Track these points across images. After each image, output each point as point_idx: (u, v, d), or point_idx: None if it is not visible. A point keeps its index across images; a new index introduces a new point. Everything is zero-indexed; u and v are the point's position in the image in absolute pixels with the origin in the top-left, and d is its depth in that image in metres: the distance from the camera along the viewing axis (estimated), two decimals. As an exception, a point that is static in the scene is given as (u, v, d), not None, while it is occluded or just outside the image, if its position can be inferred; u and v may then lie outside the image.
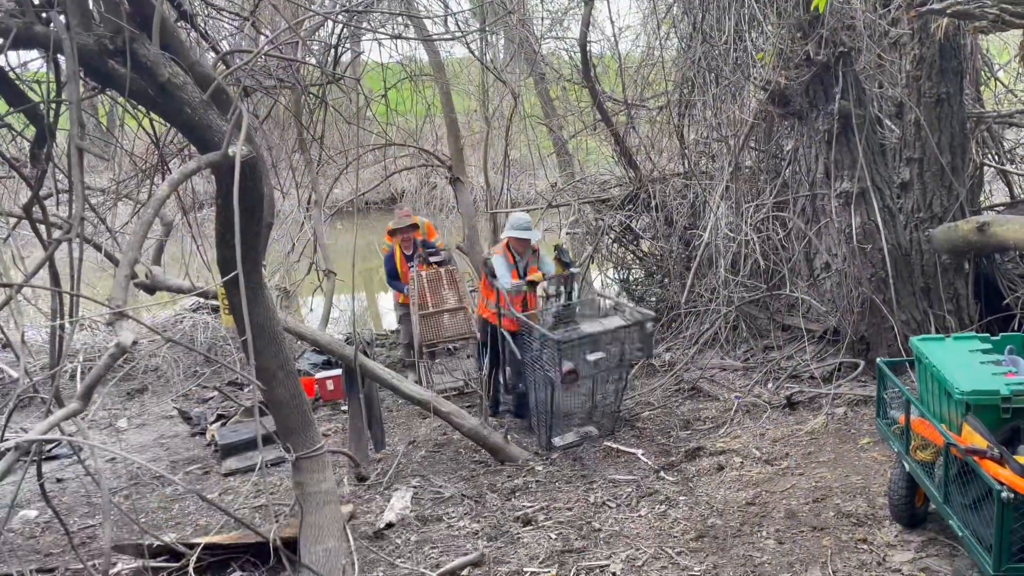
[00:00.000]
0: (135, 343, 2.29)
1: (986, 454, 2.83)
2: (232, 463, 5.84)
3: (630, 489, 4.81)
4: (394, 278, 7.58)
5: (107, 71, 2.88)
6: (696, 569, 3.79)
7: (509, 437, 5.65)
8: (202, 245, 5.42)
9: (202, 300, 7.82)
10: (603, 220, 8.36)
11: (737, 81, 6.43)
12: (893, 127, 6.01)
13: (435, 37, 7.04)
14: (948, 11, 4.98)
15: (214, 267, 3.85)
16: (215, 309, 8.34)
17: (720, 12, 6.11)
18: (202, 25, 4.86)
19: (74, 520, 5.17)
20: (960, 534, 3.02)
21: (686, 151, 7.87)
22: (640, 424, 5.95)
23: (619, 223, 8.40)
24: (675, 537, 4.14)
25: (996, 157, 7.02)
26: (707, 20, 6.52)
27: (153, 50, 2.90)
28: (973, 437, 3.00)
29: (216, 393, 7.39)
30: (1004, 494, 2.65)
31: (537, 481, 5.13)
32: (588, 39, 8.39)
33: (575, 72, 9.84)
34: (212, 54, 4.56)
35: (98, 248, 4.97)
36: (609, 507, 4.63)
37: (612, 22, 11.17)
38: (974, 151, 6.33)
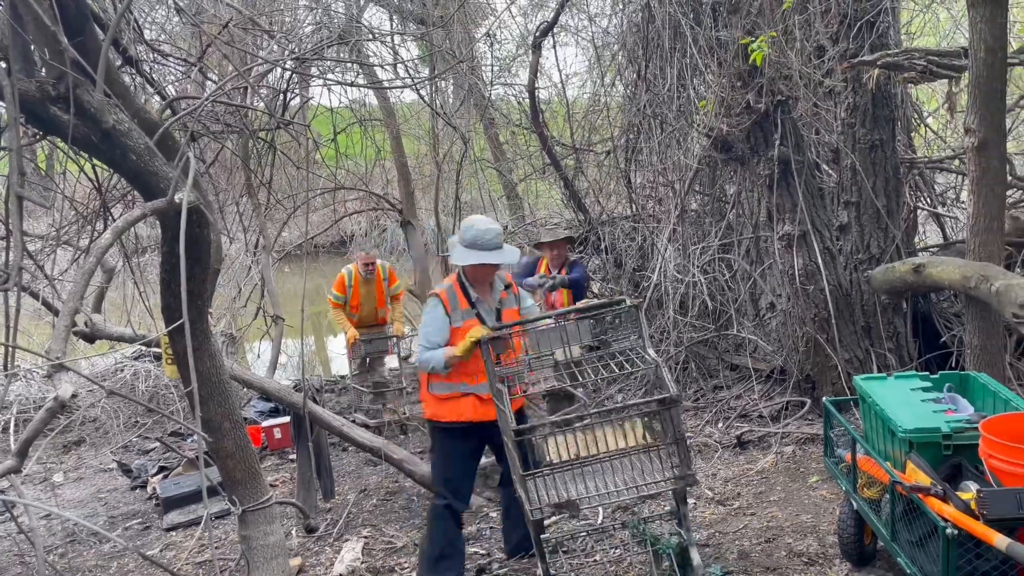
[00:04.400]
0: (74, 396, 2.22)
1: (930, 491, 2.90)
2: (174, 517, 5.64)
3: (584, 533, 4.77)
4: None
5: (49, 117, 2.83)
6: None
7: (462, 483, 5.57)
8: (144, 291, 5.30)
9: (143, 348, 7.61)
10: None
11: (681, 128, 6.61)
12: (831, 172, 6.23)
13: (386, 85, 7.09)
14: (879, 63, 5.24)
15: (157, 313, 3.76)
16: (157, 357, 8.12)
17: (663, 61, 6.30)
18: (148, 70, 4.82)
19: (4, 582, 4.92)
20: (908, 571, 3.07)
21: (633, 195, 8.01)
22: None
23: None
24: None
25: (928, 200, 7.31)
26: (651, 69, 6.71)
27: (97, 96, 2.86)
28: (917, 474, 3.06)
29: (157, 444, 7.16)
30: (948, 530, 2.70)
31: (491, 528, 5.06)
32: (536, 85, 8.54)
33: (524, 117, 10.01)
34: (158, 99, 4.52)
35: (35, 296, 4.83)
36: (563, 552, 4.58)
37: (559, 69, 11.41)
38: (907, 195, 6.58)
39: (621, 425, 3.29)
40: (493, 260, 3.86)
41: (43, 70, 2.88)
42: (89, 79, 2.89)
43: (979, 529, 2.62)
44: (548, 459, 3.35)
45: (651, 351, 3.43)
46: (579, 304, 4.04)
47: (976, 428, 3.06)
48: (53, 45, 2.80)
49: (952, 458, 3.15)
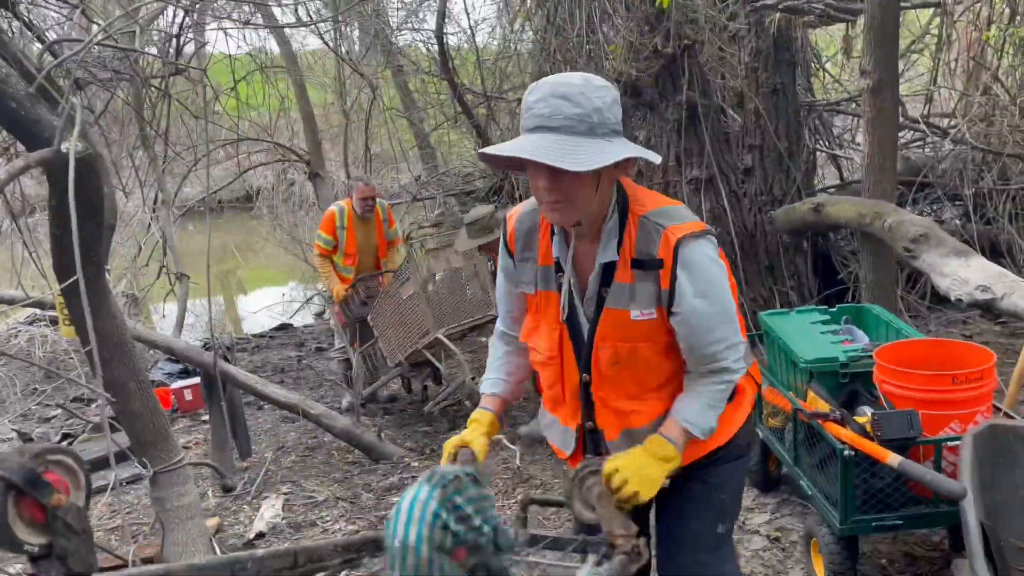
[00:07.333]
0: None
1: (829, 417, 3.06)
2: (82, 484, 5.44)
3: (507, 476, 4.86)
4: None
5: (-87, 62, 2.60)
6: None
7: (383, 435, 5.57)
8: (35, 251, 5.00)
9: (39, 312, 7.22)
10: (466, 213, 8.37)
11: (591, 73, 6.61)
12: (736, 116, 6.36)
13: (284, 24, 6.79)
14: (780, 6, 5.35)
15: (51, 274, 3.56)
16: (54, 321, 7.73)
17: (572, 5, 6.25)
18: (26, 13, 4.48)
19: (-102, 562, 4.66)
20: (809, 493, 3.25)
21: (546, 142, 7.99)
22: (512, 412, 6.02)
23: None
24: (549, 520, 4.22)
25: (827, 143, 7.58)
26: (560, 13, 6.66)
27: (-33, 39, 2.64)
28: (817, 402, 3.23)
29: (59, 411, 6.86)
30: (846, 452, 2.87)
31: (413, 477, 5.09)
32: (445, 31, 8.37)
33: (433, 64, 9.81)
34: (39, 45, 4.20)
35: (-89, 259, 4.50)
36: (486, 496, 4.66)
37: (468, 14, 11.20)
38: (807, 137, 6.80)
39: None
40: (546, 158, 1.62)
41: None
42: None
43: (874, 449, 2.78)
44: None
45: None
46: None
47: (871, 356, 3.23)
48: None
49: (849, 385, 3.33)
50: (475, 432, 2.00)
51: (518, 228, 1.98)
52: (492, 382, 2.14)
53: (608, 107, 1.69)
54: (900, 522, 2.96)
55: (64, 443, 6.09)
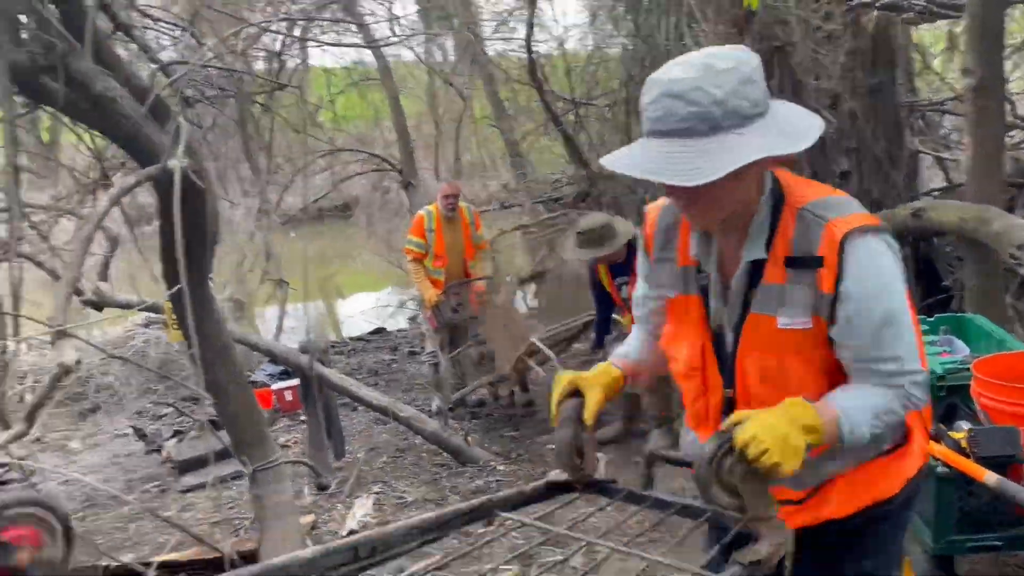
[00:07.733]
0: (79, 362, 2.28)
1: (923, 432, 2.94)
2: (190, 479, 5.76)
3: (590, 484, 4.86)
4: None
5: (40, 87, 2.85)
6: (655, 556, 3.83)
7: (470, 439, 5.67)
8: (150, 259, 5.36)
9: (153, 315, 7.70)
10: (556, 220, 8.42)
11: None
12: (831, 118, 6.16)
13: (379, 44, 7.03)
14: (877, 4, 5.17)
15: (163, 281, 3.82)
16: (167, 324, 8.21)
17: (660, 11, 6.22)
18: (140, 36, 4.81)
19: (28, 545, 5.06)
20: (903, 510, 3.13)
21: (634, 148, 7.96)
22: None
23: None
24: (633, 528, 4.20)
25: (932, 144, 7.23)
26: (648, 19, 6.63)
27: (86, 64, 2.87)
28: (911, 416, 3.10)
29: (171, 409, 7.28)
30: (939, 469, 2.75)
31: (499, 480, 5.17)
32: (533, 39, 8.46)
33: (524, 73, 9.92)
34: (149, 65, 4.51)
35: (40, 266, 4.91)
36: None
37: (556, 21, 11.28)
38: (910, 139, 6.51)
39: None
40: (655, 174, 1.47)
41: (31, 40, 2.89)
42: (78, 47, 2.90)
43: (969, 467, 2.66)
44: None
45: None
46: None
47: (969, 369, 3.09)
48: (41, 13, 2.80)
49: (946, 399, 3.18)
50: (595, 380, 1.71)
51: (658, 224, 1.75)
52: (625, 351, 1.88)
53: (734, 92, 1.42)
54: (1000, 543, 2.81)
55: (175, 440, 6.44)
